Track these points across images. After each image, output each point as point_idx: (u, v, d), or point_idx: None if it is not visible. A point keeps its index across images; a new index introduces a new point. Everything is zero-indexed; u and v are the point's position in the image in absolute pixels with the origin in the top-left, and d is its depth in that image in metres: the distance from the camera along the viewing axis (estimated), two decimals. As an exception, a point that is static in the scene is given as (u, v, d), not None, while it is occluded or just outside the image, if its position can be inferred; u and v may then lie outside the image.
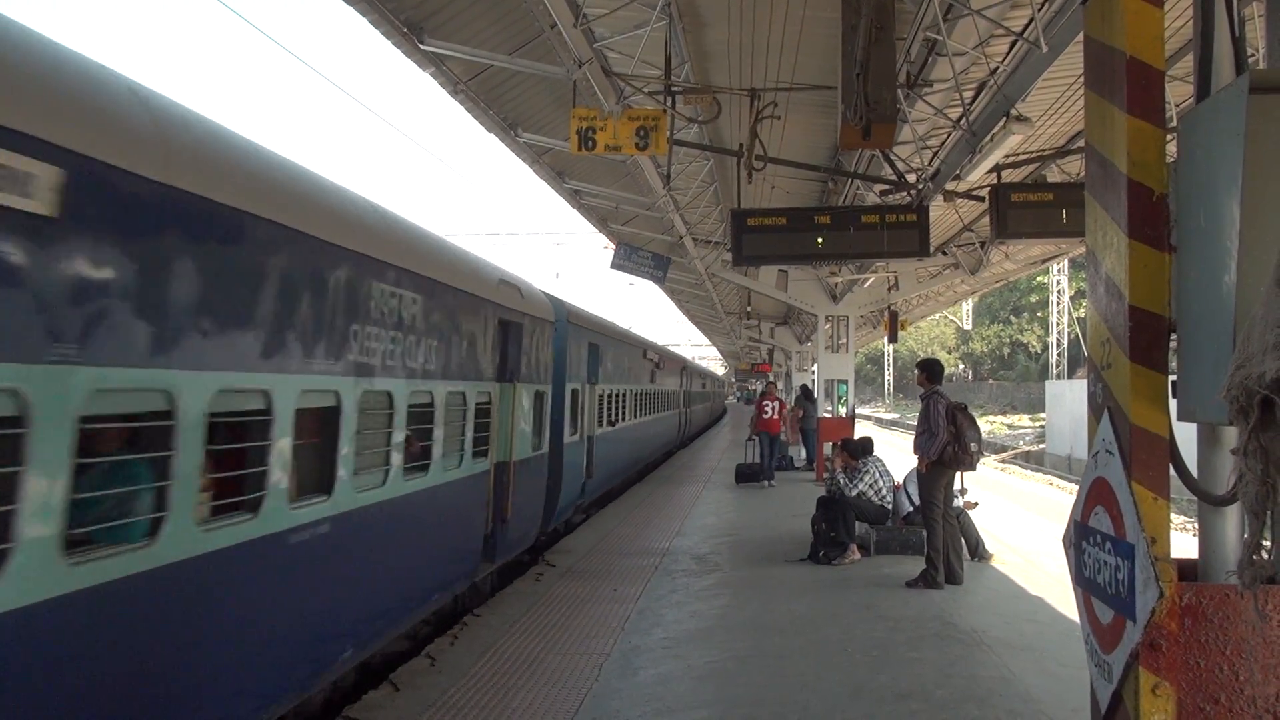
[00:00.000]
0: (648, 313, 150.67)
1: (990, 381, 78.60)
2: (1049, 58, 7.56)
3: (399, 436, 6.44)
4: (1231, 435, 2.60)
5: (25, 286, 3.24)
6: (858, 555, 10.68)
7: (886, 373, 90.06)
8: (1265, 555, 2.05)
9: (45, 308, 3.34)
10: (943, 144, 11.69)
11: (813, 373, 28.60)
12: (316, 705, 6.15)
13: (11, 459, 3.21)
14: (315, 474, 5.45)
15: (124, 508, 3.86)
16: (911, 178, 11.93)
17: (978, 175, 10.61)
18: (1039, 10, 7.50)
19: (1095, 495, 3.10)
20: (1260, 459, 1.96)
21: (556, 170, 15.73)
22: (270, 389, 4.76)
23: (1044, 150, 12.85)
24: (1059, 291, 54.26)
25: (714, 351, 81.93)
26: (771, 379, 28.94)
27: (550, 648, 7.49)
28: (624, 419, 18.33)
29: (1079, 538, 3.25)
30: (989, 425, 52.07)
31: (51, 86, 3.55)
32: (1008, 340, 77.64)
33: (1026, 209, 11.14)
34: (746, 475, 19.33)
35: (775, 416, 19.51)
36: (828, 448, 17.00)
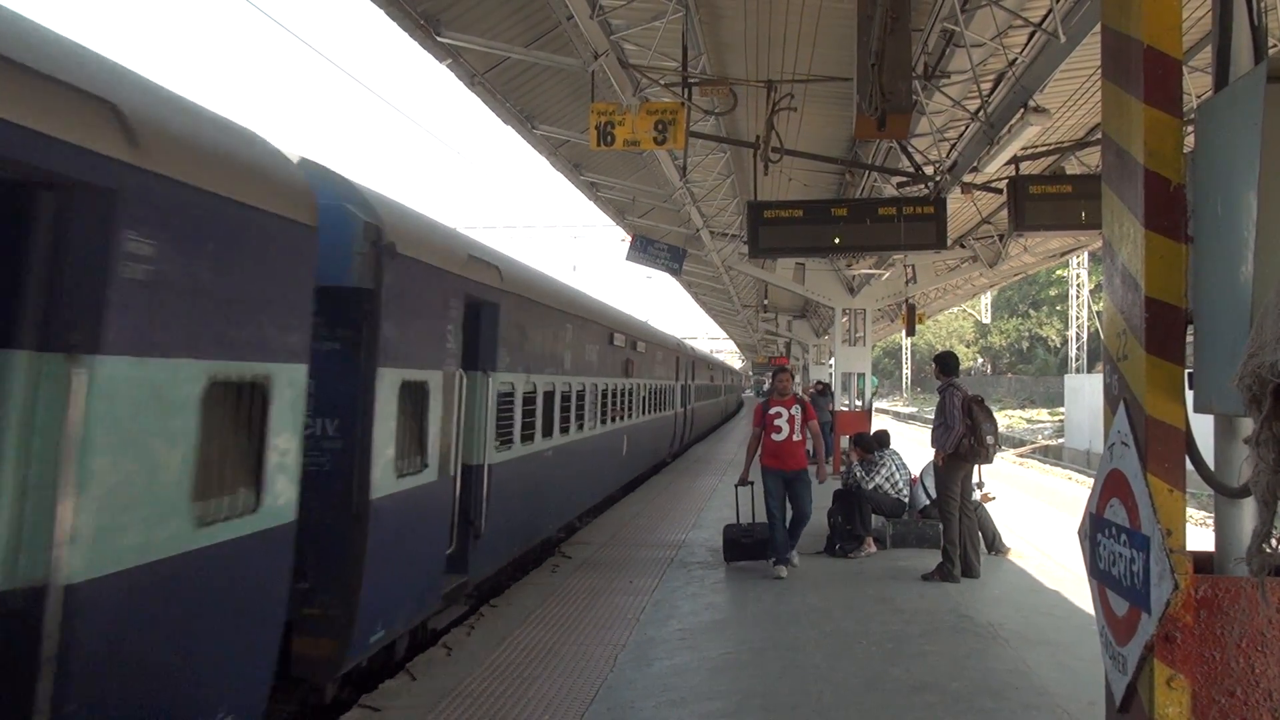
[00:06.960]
0: (665, 306, 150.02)
1: (1009, 375, 78.00)
2: (1067, 48, 7.52)
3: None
4: (1248, 427, 2.59)
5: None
6: (873, 548, 10.68)
7: (904, 366, 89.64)
8: (1275, 545, 2.05)
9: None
10: (960, 136, 11.62)
11: (830, 366, 28.46)
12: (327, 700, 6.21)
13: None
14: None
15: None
16: (929, 170, 11.87)
17: (995, 167, 10.55)
18: (1057, 0, 7.45)
19: (1111, 487, 3.09)
20: (1272, 448, 1.95)
21: (573, 163, 15.75)
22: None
23: (1063, 142, 12.76)
24: (1078, 285, 53.77)
25: (731, 345, 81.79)
26: (786, 369, 16.52)
27: (566, 638, 7.52)
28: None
29: (1094, 530, 3.24)
30: (1007, 419, 51.74)
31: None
32: (1026, 334, 77.00)
33: (1045, 201, 11.07)
34: (745, 547, 10.10)
35: (796, 437, 9.77)
36: (844, 440, 16.83)
